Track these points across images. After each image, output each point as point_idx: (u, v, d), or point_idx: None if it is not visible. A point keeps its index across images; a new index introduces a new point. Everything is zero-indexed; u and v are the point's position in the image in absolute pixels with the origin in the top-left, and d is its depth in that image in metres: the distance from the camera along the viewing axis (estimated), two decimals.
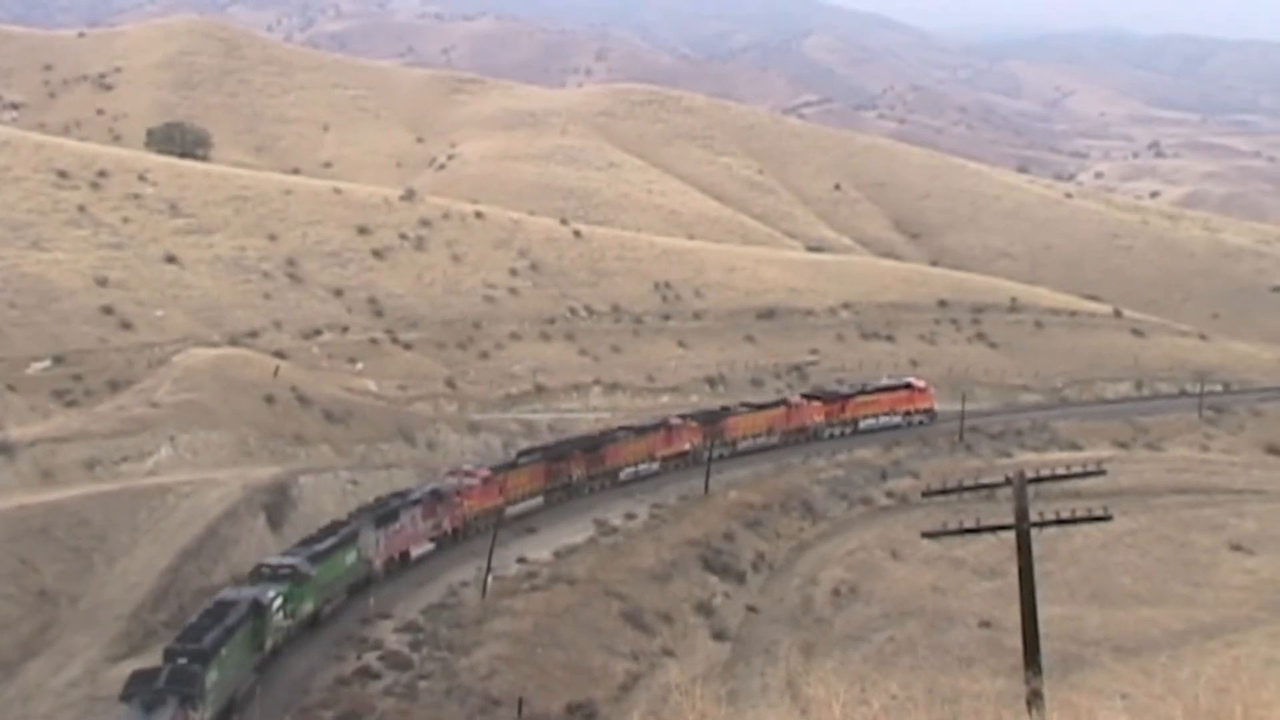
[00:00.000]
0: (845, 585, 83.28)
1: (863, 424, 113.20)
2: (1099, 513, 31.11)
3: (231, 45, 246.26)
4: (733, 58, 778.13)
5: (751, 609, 77.99)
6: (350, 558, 67.90)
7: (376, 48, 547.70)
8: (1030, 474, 28.97)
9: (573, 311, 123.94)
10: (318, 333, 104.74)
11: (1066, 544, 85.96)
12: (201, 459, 79.48)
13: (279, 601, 59.03)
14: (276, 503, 76.58)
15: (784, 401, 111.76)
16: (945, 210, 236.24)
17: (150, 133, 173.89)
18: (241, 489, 75.17)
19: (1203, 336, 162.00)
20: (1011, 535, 27.84)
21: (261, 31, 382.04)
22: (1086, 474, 32.20)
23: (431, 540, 76.71)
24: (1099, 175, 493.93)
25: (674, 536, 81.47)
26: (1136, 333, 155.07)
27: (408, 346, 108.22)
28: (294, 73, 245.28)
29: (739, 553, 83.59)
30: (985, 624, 77.19)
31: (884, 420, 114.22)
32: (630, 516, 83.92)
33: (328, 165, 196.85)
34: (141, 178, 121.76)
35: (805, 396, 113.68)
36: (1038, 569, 28.39)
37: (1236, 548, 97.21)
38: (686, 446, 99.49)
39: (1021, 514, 27.44)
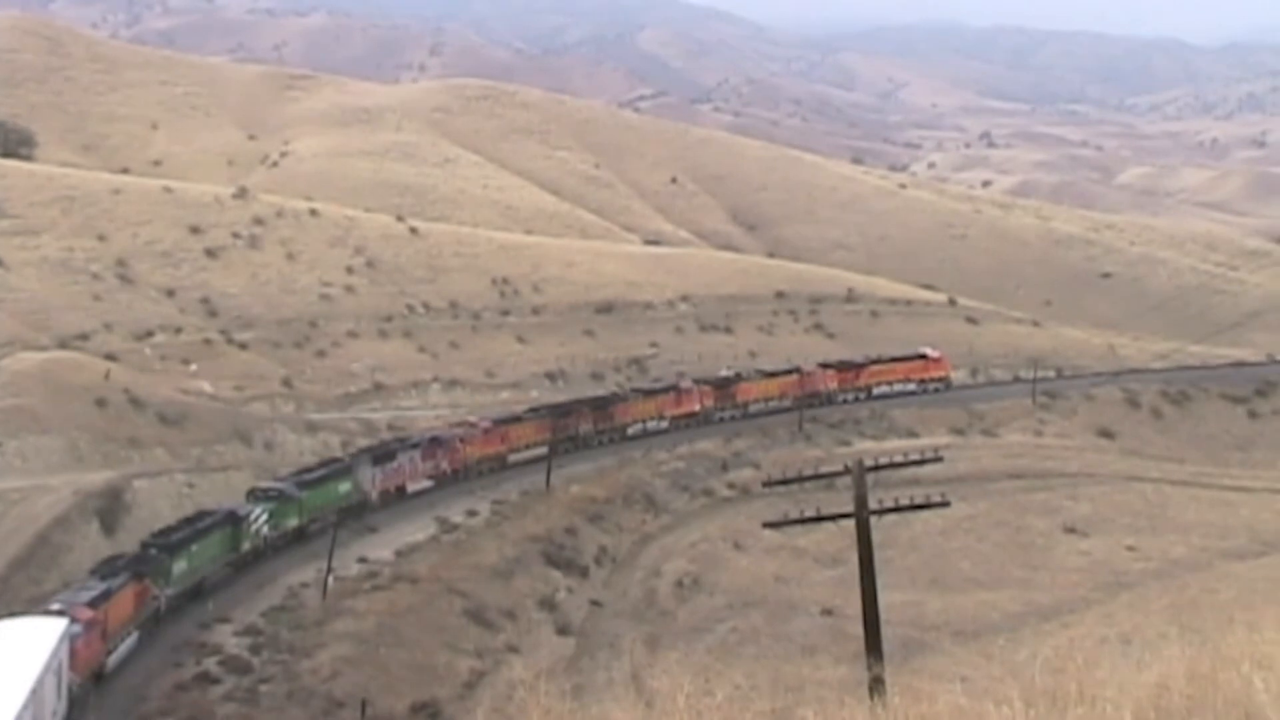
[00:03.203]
0: (688, 577, 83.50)
1: (876, 390, 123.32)
2: (937, 499, 31.40)
3: (55, 42, 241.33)
4: (568, 52, 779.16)
5: (595, 603, 77.88)
6: (344, 487, 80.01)
7: (206, 44, 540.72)
8: (869, 462, 29.13)
9: (410, 309, 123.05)
10: (150, 334, 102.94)
11: (906, 531, 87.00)
12: (31, 465, 77.76)
13: (264, 516, 71.51)
14: (110, 508, 75.03)
15: (797, 369, 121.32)
16: (782, 202, 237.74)
17: None
18: (73, 495, 73.59)
19: (1036, 323, 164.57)
20: (852, 523, 27.98)
21: (86, 28, 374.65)
22: (924, 461, 32.44)
23: (430, 479, 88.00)
24: (932, 166, 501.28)
25: (516, 532, 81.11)
26: (971, 320, 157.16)
27: (243, 347, 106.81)
28: (121, 70, 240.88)
29: (582, 547, 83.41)
30: (827, 612, 77.76)
31: (898, 387, 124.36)
32: (472, 514, 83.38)
33: (158, 164, 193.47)
34: None
35: (821, 365, 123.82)
36: (878, 556, 28.55)
37: (1071, 530, 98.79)
38: (696, 408, 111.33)
39: (861, 502, 27.58)
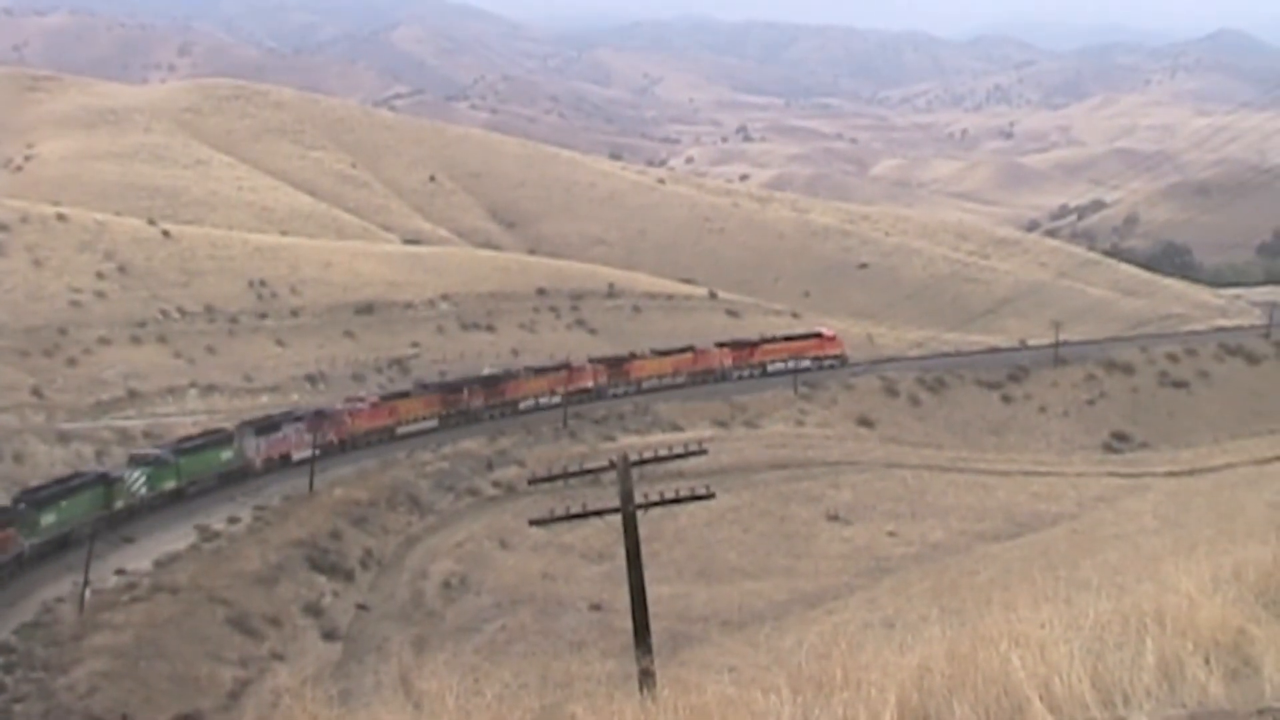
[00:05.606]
0: (455, 577, 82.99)
1: (771, 367, 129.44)
2: (702, 491, 31.55)
3: None
4: (320, 50, 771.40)
5: (362, 607, 77.04)
6: (225, 455, 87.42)
7: None
8: (634, 457, 29.16)
9: (164, 313, 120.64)
10: None
11: (672, 524, 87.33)
12: None
13: (141, 478, 78.45)
14: None
15: (691, 347, 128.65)
16: (541, 199, 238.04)
17: None
18: None
19: (795, 314, 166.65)
20: (618, 518, 27.97)
21: None
22: (688, 454, 32.58)
23: (316, 449, 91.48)
24: (690, 160, 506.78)
25: (279, 538, 79.90)
26: (731, 313, 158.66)
27: None
28: None
29: (347, 550, 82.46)
30: (596, 607, 77.81)
31: (792, 364, 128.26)
32: (233, 520, 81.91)
33: None
34: None
35: (718, 344, 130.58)
36: (645, 550, 28.57)
37: (834, 518, 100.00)
38: (590, 384, 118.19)
39: (626, 496, 27.58)
